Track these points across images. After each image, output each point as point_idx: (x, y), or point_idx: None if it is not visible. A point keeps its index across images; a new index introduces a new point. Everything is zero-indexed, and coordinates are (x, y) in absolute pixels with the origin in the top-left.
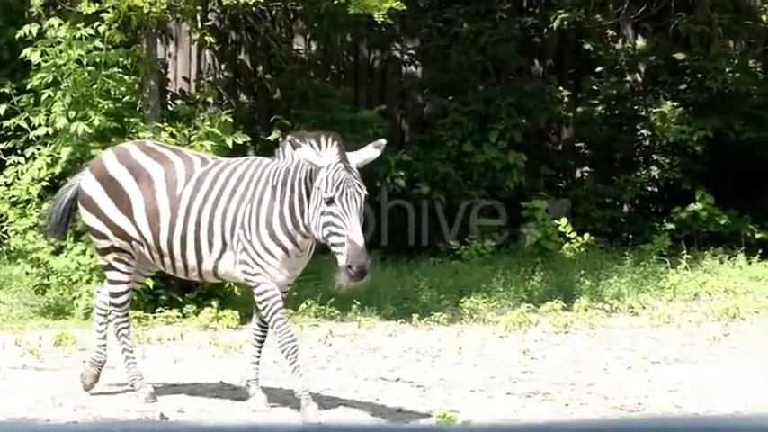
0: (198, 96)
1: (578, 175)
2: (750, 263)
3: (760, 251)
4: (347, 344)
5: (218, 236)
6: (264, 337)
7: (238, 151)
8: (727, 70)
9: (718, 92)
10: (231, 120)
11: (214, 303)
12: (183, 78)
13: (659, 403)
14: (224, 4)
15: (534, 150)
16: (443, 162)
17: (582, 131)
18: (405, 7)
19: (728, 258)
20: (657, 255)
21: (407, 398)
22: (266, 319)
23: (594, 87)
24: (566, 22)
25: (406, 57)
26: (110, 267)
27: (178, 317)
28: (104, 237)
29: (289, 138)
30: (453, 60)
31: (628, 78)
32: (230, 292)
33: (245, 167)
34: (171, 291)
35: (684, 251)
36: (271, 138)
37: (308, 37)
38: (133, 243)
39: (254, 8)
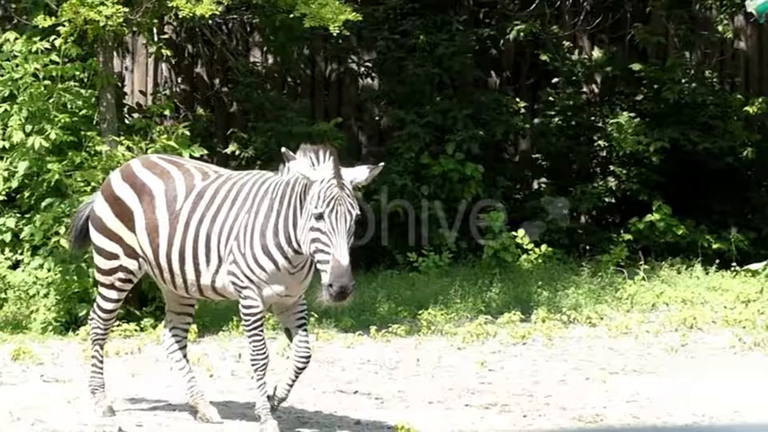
0: (155, 109)
1: (535, 186)
2: (707, 273)
3: (717, 261)
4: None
5: (214, 250)
6: (306, 360)
7: None
8: (683, 81)
9: (675, 102)
10: (188, 133)
11: None
12: (140, 92)
13: (617, 414)
14: (180, 17)
15: (491, 162)
16: (401, 174)
17: (539, 143)
18: (361, 18)
19: (686, 269)
20: (615, 265)
21: (366, 410)
22: (245, 331)
23: (551, 98)
24: (522, 34)
25: (362, 69)
26: (110, 287)
27: (136, 330)
28: (115, 257)
29: (283, 150)
30: (410, 72)
31: (584, 89)
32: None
33: (245, 181)
34: (128, 304)
35: (642, 262)
36: (227, 150)
37: (264, 50)
38: (140, 260)
39: (210, 21)
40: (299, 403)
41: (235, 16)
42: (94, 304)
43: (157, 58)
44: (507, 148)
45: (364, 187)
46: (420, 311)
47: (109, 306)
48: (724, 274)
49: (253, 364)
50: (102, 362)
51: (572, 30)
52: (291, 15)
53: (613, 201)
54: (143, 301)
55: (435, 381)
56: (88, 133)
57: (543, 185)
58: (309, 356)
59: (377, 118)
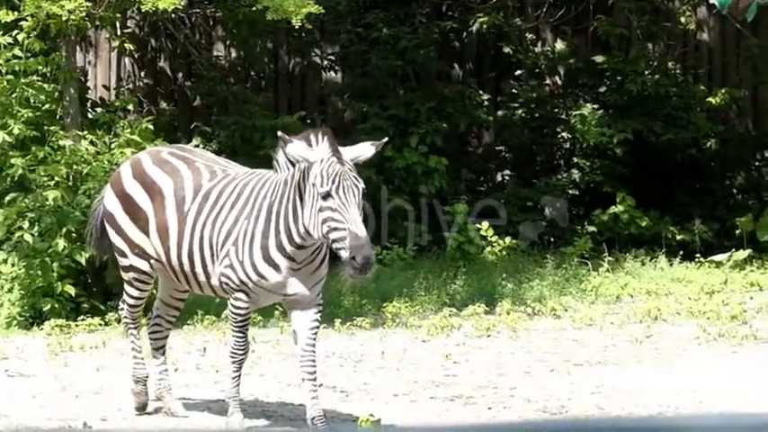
0: (118, 104)
1: (499, 178)
2: (671, 264)
3: (681, 253)
4: (270, 350)
5: (216, 252)
6: (314, 365)
7: None
8: (646, 72)
9: (638, 94)
10: (152, 127)
11: None
12: (103, 86)
13: (582, 405)
14: (143, 11)
15: (455, 154)
16: (364, 167)
17: (502, 135)
18: (323, 12)
19: (650, 260)
20: (579, 257)
21: (330, 403)
22: (230, 327)
23: (514, 91)
24: (485, 26)
25: (325, 62)
26: (129, 284)
27: (100, 324)
28: (124, 254)
29: (279, 134)
30: (373, 65)
31: (547, 81)
32: (153, 299)
33: (246, 182)
34: (93, 299)
35: (606, 253)
36: (191, 144)
37: (227, 43)
38: (151, 261)
39: (173, 15)
40: (264, 396)
41: (197, 10)
42: (123, 300)
43: (120, 52)
44: (471, 140)
45: None
46: (385, 304)
47: (131, 301)
48: (688, 265)
49: (231, 358)
50: (140, 350)
51: (535, 22)
52: (254, 9)
53: (577, 193)
54: (107, 296)
55: (400, 373)
56: (51, 128)
57: (507, 178)
58: (315, 369)
59: (340, 111)
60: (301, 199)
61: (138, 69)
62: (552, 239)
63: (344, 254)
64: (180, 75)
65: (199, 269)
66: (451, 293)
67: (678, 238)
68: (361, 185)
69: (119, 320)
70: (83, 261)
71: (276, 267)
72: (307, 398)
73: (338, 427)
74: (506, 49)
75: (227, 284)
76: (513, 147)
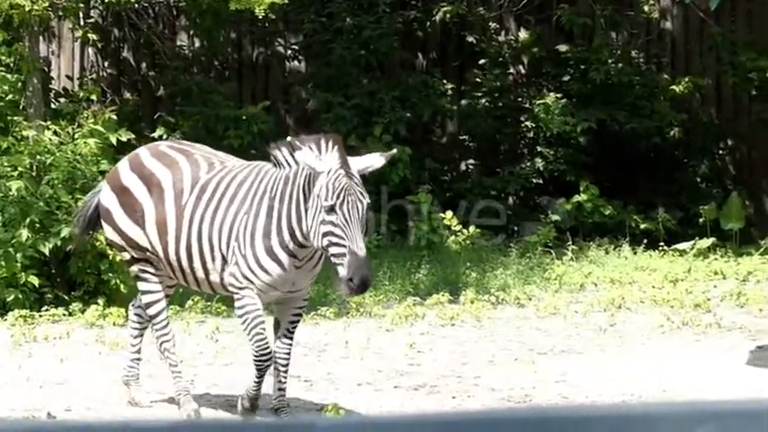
0: (81, 94)
1: (463, 167)
2: (635, 253)
3: (645, 241)
4: (234, 340)
5: (217, 248)
6: (288, 357)
7: (124, 148)
8: (609, 61)
9: (601, 83)
10: (115, 117)
11: (100, 301)
12: (67, 76)
13: (546, 394)
14: (106, 1)
15: (419, 144)
16: None
17: (466, 124)
18: (287, 1)
19: (614, 249)
20: (543, 246)
21: (295, 392)
22: (245, 332)
23: (478, 80)
24: (448, 15)
25: (289, 52)
26: (138, 278)
27: (64, 315)
28: (122, 249)
29: (288, 140)
30: (336, 55)
31: (511, 71)
32: (116, 290)
33: (245, 176)
34: (57, 289)
35: (570, 242)
36: (155, 134)
37: (191, 33)
38: (148, 254)
39: (136, 5)
40: (229, 387)
41: (161, 0)
42: (143, 306)
43: (84, 42)
44: (435, 129)
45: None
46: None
47: (149, 298)
48: (652, 253)
49: (256, 364)
50: (177, 365)
51: (498, 11)
52: None
53: (541, 181)
54: (71, 286)
55: (364, 363)
56: (14, 118)
57: (471, 167)
58: (290, 354)
59: (304, 101)
60: (305, 202)
61: (101, 59)
62: (515, 228)
63: (342, 271)
64: (143, 65)
65: (197, 265)
66: (415, 283)
67: (642, 226)
68: (366, 201)
69: (83, 311)
70: (46, 251)
71: (279, 263)
72: (274, 387)
73: (302, 417)
74: (470, 39)
75: (232, 284)
76: (477, 136)
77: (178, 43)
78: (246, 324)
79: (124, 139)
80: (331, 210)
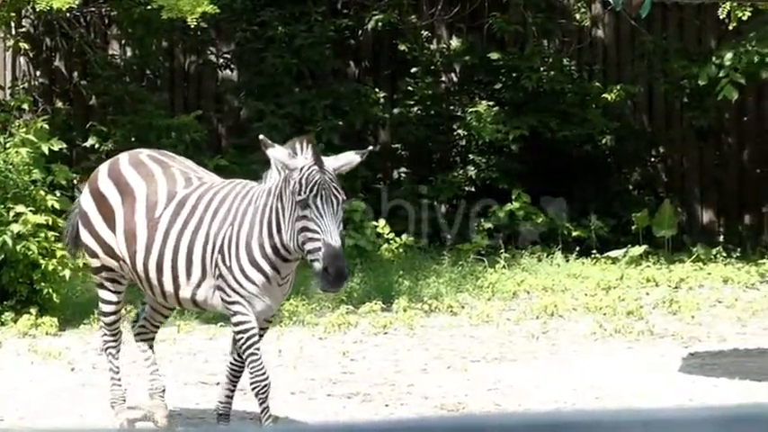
0: (13, 103)
1: (396, 176)
2: (568, 260)
3: (577, 249)
4: (168, 348)
5: (197, 263)
6: (242, 370)
7: (56, 157)
8: (541, 69)
9: (534, 90)
10: (47, 126)
11: (33, 310)
12: None
13: (479, 402)
14: (38, 10)
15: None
16: (261, 165)
17: (399, 132)
18: (219, 11)
19: (546, 256)
20: (475, 254)
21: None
22: (240, 351)
23: (410, 88)
24: (380, 24)
25: (221, 61)
26: (101, 287)
27: None
28: (95, 255)
29: (261, 137)
30: (269, 64)
31: (443, 79)
32: (49, 299)
33: (227, 190)
34: None
35: (502, 250)
36: (87, 144)
37: (123, 42)
38: (120, 262)
39: (68, 14)
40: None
41: (93, 9)
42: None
43: (15, 51)
44: (367, 138)
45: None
46: (281, 302)
47: (107, 308)
48: (584, 261)
49: (254, 388)
50: (118, 372)
51: (430, 19)
52: (149, 7)
53: (473, 189)
54: (3, 296)
55: (297, 371)
56: None
57: (403, 175)
58: (240, 376)
59: (236, 110)
60: (284, 210)
61: (33, 68)
62: (448, 236)
63: (317, 265)
64: (75, 74)
65: (167, 278)
66: (348, 291)
67: (574, 234)
68: (342, 197)
69: (15, 320)
70: None
71: (264, 274)
72: (221, 395)
73: (237, 426)
74: (402, 47)
75: (222, 299)
76: (409, 144)
77: (110, 52)
78: (242, 342)
79: (56, 148)
80: (305, 204)
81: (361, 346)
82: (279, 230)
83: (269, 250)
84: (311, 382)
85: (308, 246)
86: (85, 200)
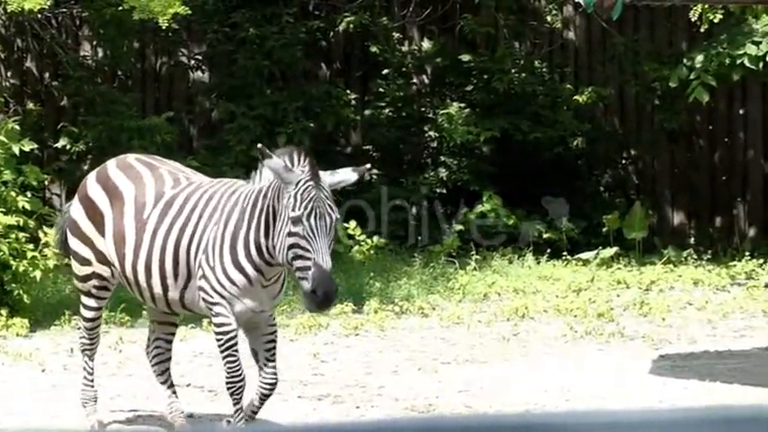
0: None
1: (367, 177)
2: (539, 262)
3: (548, 251)
4: (138, 350)
5: (183, 263)
6: (273, 386)
7: (27, 158)
8: (512, 71)
9: (505, 93)
10: (18, 127)
11: (3, 312)
12: None
13: (449, 403)
14: (9, 11)
15: (323, 154)
16: (232, 167)
17: (370, 134)
18: (190, 12)
19: (517, 258)
20: (447, 256)
21: (198, 403)
22: (219, 350)
23: (381, 90)
24: (352, 26)
25: (192, 62)
26: (88, 294)
27: None
28: (88, 262)
29: (258, 146)
30: (240, 65)
31: (414, 80)
32: (19, 301)
33: (215, 189)
34: None
35: (473, 252)
36: (58, 145)
37: (94, 43)
38: (112, 268)
39: (39, 15)
40: (131, 397)
41: (64, 10)
42: (80, 313)
43: None
44: (339, 140)
45: None
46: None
47: (89, 314)
48: (555, 263)
49: (228, 388)
50: (91, 373)
51: (401, 21)
52: (120, 8)
53: (445, 191)
54: None
55: None
56: None
57: (375, 177)
58: (276, 383)
59: (208, 111)
60: (274, 218)
61: (4, 70)
62: (419, 238)
63: (306, 285)
64: (47, 75)
65: (156, 280)
66: None
67: (545, 236)
68: (335, 215)
69: None
70: None
71: (246, 276)
72: (246, 409)
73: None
74: (373, 49)
75: (204, 299)
76: (381, 146)
77: (81, 53)
78: (221, 344)
79: (27, 149)
80: (297, 221)
81: (331, 348)
82: (267, 235)
83: (254, 252)
84: (282, 383)
85: (298, 263)
86: (75, 208)
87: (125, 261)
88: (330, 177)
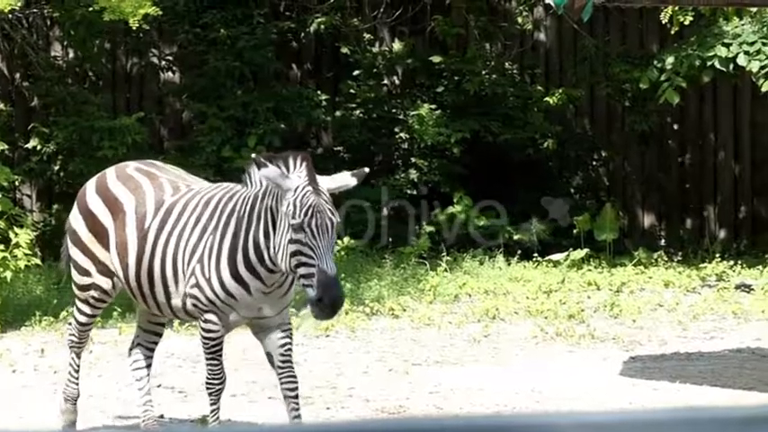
0: None
1: None
2: (509, 264)
3: (519, 252)
4: (108, 350)
5: (180, 271)
6: (294, 383)
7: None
8: (483, 72)
9: (475, 94)
10: None
11: None
12: None
13: (420, 405)
14: None
15: None
16: (203, 167)
17: (341, 135)
18: (161, 13)
19: (488, 260)
20: (417, 257)
21: (169, 404)
22: (204, 352)
23: (352, 91)
24: (323, 26)
25: (163, 63)
26: (85, 302)
27: None
28: (88, 273)
29: (253, 156)
30: (211, 66)
31: (385, 81)
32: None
33: (211, 196)
34: None
35: (444, 253)
36: (29, 145)
37: (65, 44)
38: (114, 279)
39: (10, 15)
40: (102, 398)
41: (35, 10)
42: (73, 311)
43: None
44: (310, 141)
45: None
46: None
47: (83, 318)
48: (526, 264)
49: (208, 388)
50: (77, 371)
51: (372, 22)
52: (91, 9)
53: (415, 192)
54: None
55: (239, 374)
56: None
57: None
58: (296, 384)
59: (178, 112)
60: (274, 224)
61: None
62: (390, 239)
63: (311, 292)
64: (17, 75)
65: (159, 288)
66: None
67: (515, 237)
68: (336, 219)
69: None
70: None
71: (245, 287)
72: (288, 416)
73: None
74: (344, 50)
75: (195, 306)
76: (352, 147)
77: (52, 54)
78: (206, 347)
79: None
80: (299, 228)
81: (302, 349)
82: (267, 243)
83: (255, 261)
84: (253, 384)
85: (302, 270)
86: (75, 219)
87: (128, 271)
88: (329, 183)
